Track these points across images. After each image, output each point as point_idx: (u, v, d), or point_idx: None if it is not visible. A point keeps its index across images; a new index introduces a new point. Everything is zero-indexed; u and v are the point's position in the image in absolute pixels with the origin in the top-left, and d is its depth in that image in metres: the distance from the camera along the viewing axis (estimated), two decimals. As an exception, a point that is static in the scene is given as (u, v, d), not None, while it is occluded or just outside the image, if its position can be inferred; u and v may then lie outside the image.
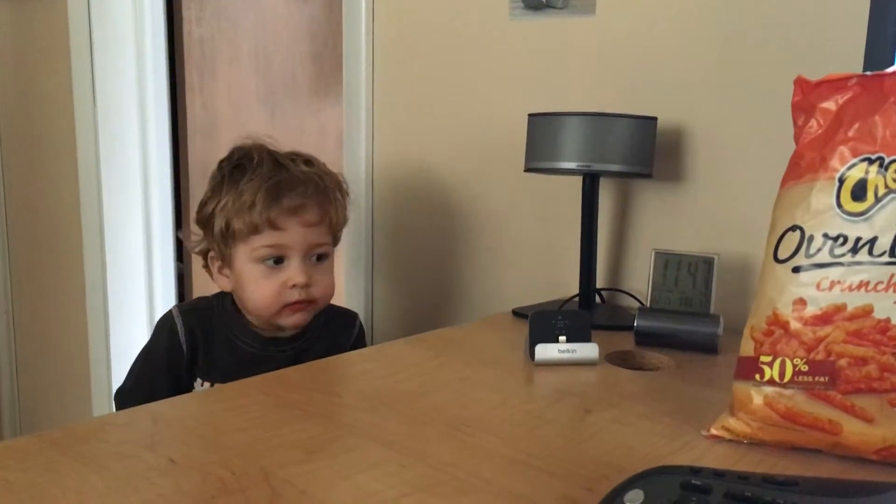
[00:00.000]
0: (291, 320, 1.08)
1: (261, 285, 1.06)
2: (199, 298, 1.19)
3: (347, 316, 1.22)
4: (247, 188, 1.04)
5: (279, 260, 1.06)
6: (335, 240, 1.15)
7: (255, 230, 1.04)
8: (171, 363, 1.08)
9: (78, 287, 2.25)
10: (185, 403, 0.72)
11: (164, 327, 1.11)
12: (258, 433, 0.64)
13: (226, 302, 1.14)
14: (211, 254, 1.11)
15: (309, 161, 1.12)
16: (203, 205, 1.11)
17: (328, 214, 1.09)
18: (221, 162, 1.13)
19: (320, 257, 1.10)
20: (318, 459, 0.59)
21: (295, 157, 1.11)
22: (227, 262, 1.09)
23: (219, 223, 1.06)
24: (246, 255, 1.06)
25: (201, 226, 1.12)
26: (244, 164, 1.08)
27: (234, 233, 1.05)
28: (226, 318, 1.12)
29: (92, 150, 2.12)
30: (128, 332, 2.22)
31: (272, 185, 1.04)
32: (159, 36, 2.15)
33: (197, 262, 1.21)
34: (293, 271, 1.06)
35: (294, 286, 1.06)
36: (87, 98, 2.10)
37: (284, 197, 1.04)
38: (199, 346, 1.09)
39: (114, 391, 1.12)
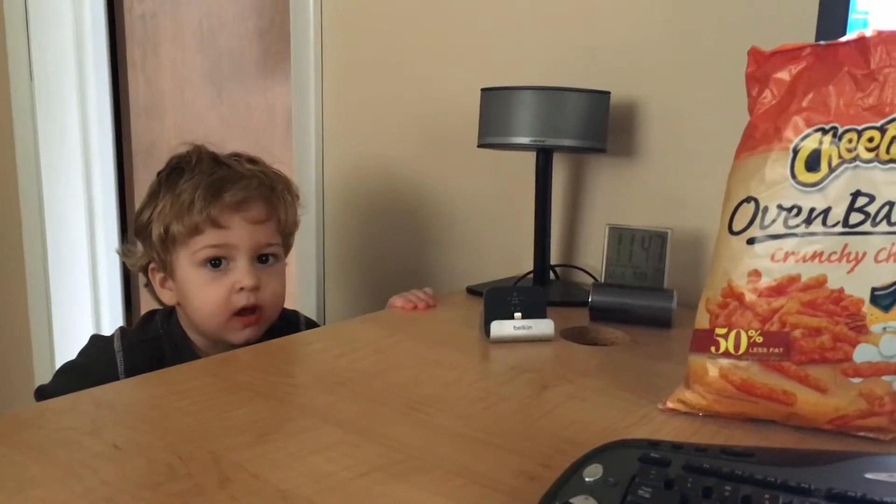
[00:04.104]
0: (241, 336, 1.01)
1: (206, 291, 0.99)
2: (147, 322, 1.08)
3: (288, 318, 1.14)
4: (185, 188, 0.98)
5: (222, 262, 0.99)
6: (286, 244, 1.08)
7: (195, 230, 0.97)
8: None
9: (18, 274, 2.18)
10: (130, 387, 0.70)
11: (100, 354, 1.01)
12: (207, 416, 0.62)
13: (172, 325, 1.06)
14: (152, 266, 1.04)
15: (254, 160, 1.06)
16: (139, 214, 1.03)
17: (276, 211, 1.03)
18: (160, 172, 1.06)
19: (268, 259, 1.03)
20: (270, 442, 0.57)
21: (238, 156, 1.05)
22: (168, 272, 1.02)
23: (157, 229, 0.99)
24: (187, 260, 0.99)
25: (139, 237, 1.04)
26: (182, 166, 1.02)
27: (174, 237, 0.98)
28: (177, 348, 1.04)
29: (30, 129, 2.05)
30: (71, 320, 2.16)
31: (212, 182, 0.98)
32: (99, 10, 2.08)
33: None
34: (240, 273, 0.99)
35: (242, 289, 0.99)
36: (23, 75, 2.03)
37: (226, 192, 0.97)
38: None
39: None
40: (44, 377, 2.19)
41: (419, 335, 0.90)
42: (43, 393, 1.00)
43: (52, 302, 2.13)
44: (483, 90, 1.09)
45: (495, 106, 1.06)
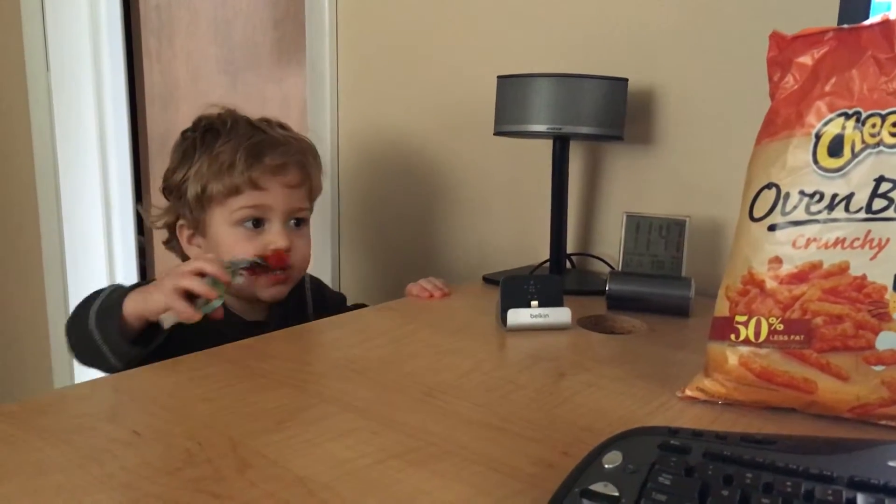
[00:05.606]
0: (269, 293, 1.04)
1: (240, 248, 1.02)
2: None
3: (339, 300, 1.22)
4: (224, 150, 1.01)
5: (258, 223, 1.03)
6: (311, 207, 1.12)
7: (235, 191, 1.01)
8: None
9: (35, 262, 2.20)
10: (149, 374, 0.70)
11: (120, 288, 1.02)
12: (225, 403, 0.62)
13: None
14: (180, 223, 1.07)
15: (283, 125, 1.10)
16: (171, 173, 1.07)
17: (309, 177, 1.07)
18: (185, 131, 1.09)
19: (299, 223, 1.07)
20: (289, 428, 0.57)
21: (268, 121, 1.09)
22: (199, 229, 1.05)
23: (193, 189, 1.02)
24: (223, 219, 1.02)
25: (168, 195, 1.08)
26: (217, 128, 1.05)
27: (212, 196, 1.02)
28: None
29: (46, 119, 2.06)
30: (89, 307, 2.17)
31: (252, 145, 1.02)
32: (114, 1, 2.08)
33: (159, 235, 1.15)
34: (274, 234, 1.03)
35: (275, 250, 1.02)
36: (39, 65, 2.04)
37: (266, 156, 1.02)
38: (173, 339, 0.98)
39: (75, 362, 1.05)
40: (62, 367, 2.21)
41: (435, 323, 0.89)
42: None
43: (69, 291, 2.14)
44: (499, 77, 1.08)
45: (512, 93, 1.06)
